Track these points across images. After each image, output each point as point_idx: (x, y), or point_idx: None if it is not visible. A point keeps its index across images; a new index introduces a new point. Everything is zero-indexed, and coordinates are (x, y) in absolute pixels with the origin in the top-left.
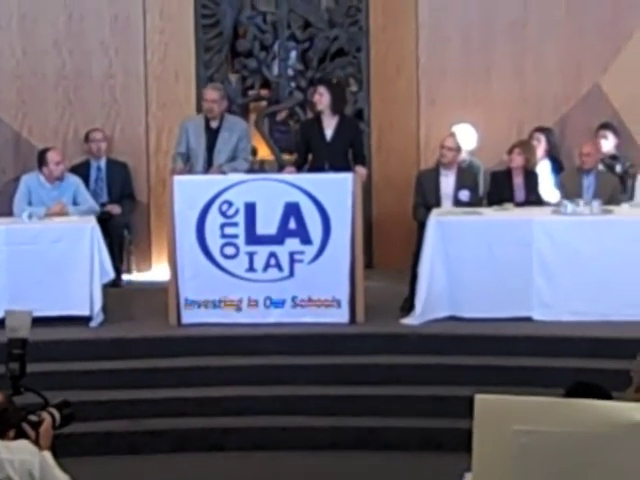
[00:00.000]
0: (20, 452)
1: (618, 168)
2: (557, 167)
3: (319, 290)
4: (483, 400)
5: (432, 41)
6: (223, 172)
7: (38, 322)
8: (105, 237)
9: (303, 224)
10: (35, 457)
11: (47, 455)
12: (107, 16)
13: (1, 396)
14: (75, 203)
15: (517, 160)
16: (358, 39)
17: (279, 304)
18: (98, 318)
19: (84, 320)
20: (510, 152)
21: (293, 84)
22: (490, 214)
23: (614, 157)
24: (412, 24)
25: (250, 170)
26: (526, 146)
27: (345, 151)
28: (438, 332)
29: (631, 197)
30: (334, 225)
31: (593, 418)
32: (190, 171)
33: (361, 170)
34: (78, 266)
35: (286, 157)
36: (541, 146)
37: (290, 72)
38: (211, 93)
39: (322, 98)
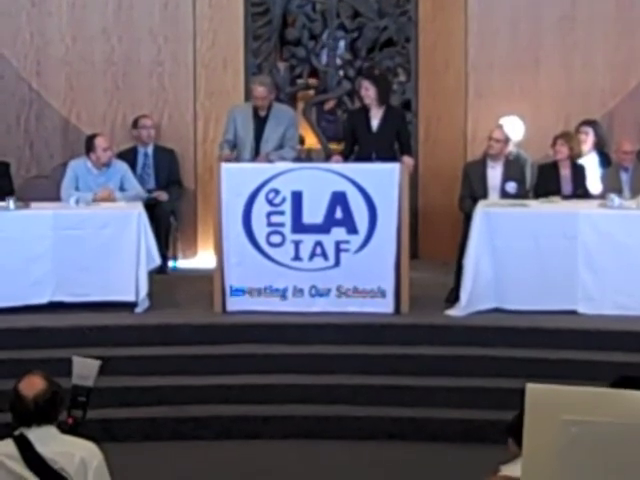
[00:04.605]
0: (83, 450)
1: None
2: (604, 160)
3: (364, 280)
4: (534, 389)
5: (481, 33)
6: (270, 160)
7: (84, 308)
8: (152, 223)
9: (349, 213)
10: (94, 459)
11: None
12: (156, 3)
13: (43, 383)
14: (122, 189)
15: (562, 151)
16: (407, 29)
17: (324, 293)
18: (143, 304)
19: (129, 306)
20: (554, 144)
21: (341, 73)
22: (536, 206)
23: None
24: (461, 16)
25: (297, 159)
26: (569, 136)
27: (391, 141)
28: (483, 324)
29: None
30: (380, 215)
31: None
32: (237, 159)
33: (408, 160)
34: (124, 252)
35: (333, 146)
36: (589, 139)
37: (338, 61)
38: (259, 90)
39: (368, 92)
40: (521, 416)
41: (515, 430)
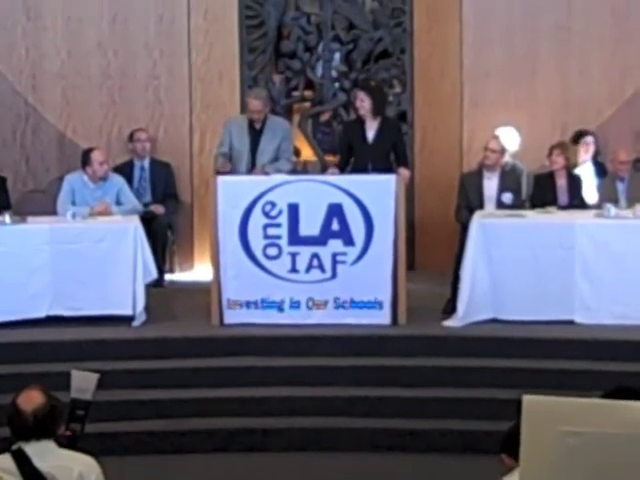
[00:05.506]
0: (81, 464)
1: None
2: (600, 170)
3: (361, 292)
4: (531, 401)
5: (476, 43)
6: (266, 173)
7: (81, 321)
8: (148, 237)
9: (346, 225)
10: (92, 473)
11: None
12: (151, 17)
13: (42, 397)
14: (118, 203)
15: (558, 161)
16: (402, 41)
17: (321, 305)
18: (141, 318)
19: (126, 320)
20: (550, 154)
21: (337, 85)
22: (533, 217)
23: None
24: (456, 26)
25: (293, 171)
26: (564, 146)
27: (387, 152)
28: (480, 334)
29: None
30: (377, 226)
31: None
32: (233, 171)
33: (404, 172)
34: (121, 266)
35: (329, 158)
36: (590, 149)
37: (334, 73)
38: (254, 104)
39: (363, 104)
40: (517, 428)
41: (510, 443)
